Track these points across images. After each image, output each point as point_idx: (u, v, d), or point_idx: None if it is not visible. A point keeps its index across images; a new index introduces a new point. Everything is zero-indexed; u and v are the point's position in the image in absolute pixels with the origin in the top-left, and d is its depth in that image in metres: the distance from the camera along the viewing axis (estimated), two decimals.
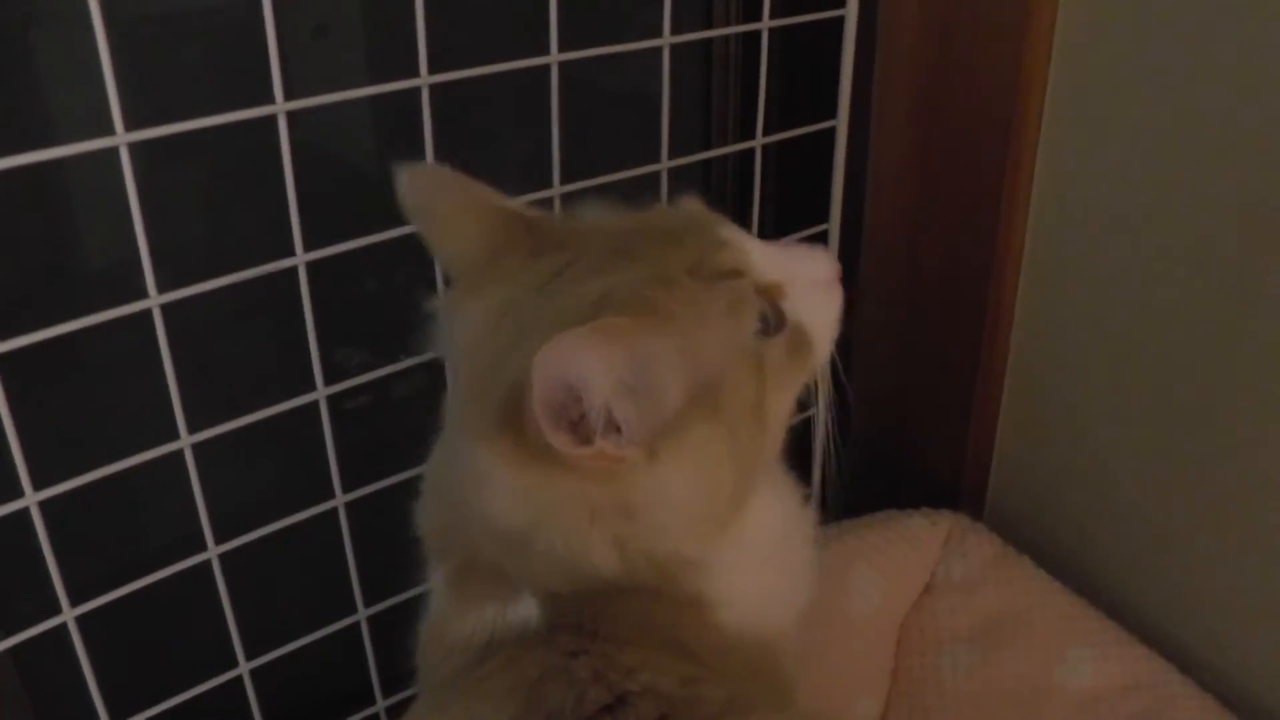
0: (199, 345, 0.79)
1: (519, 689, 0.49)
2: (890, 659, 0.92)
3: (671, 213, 0.58)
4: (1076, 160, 0.86)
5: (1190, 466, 0.83)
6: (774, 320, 0.54)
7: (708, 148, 1.01)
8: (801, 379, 0.56)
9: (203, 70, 0.83)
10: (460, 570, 0.56)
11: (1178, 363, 0.82)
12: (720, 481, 0.52)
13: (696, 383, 0.50)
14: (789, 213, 1.00)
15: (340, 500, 0.75)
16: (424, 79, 0.68)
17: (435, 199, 0.56)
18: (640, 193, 0.76)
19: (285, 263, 0.67)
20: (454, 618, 0.55)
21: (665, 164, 0.81)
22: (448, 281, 0.58)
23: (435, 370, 0.61)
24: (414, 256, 0.61)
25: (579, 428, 0.47)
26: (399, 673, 0.64)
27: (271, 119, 0.63)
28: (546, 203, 0.76)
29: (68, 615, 0.65)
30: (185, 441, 0.67)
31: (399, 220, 0.56)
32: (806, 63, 0.97)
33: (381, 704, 0.83)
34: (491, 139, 0.95)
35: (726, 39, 1.01)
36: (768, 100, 0.86)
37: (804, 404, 0.58)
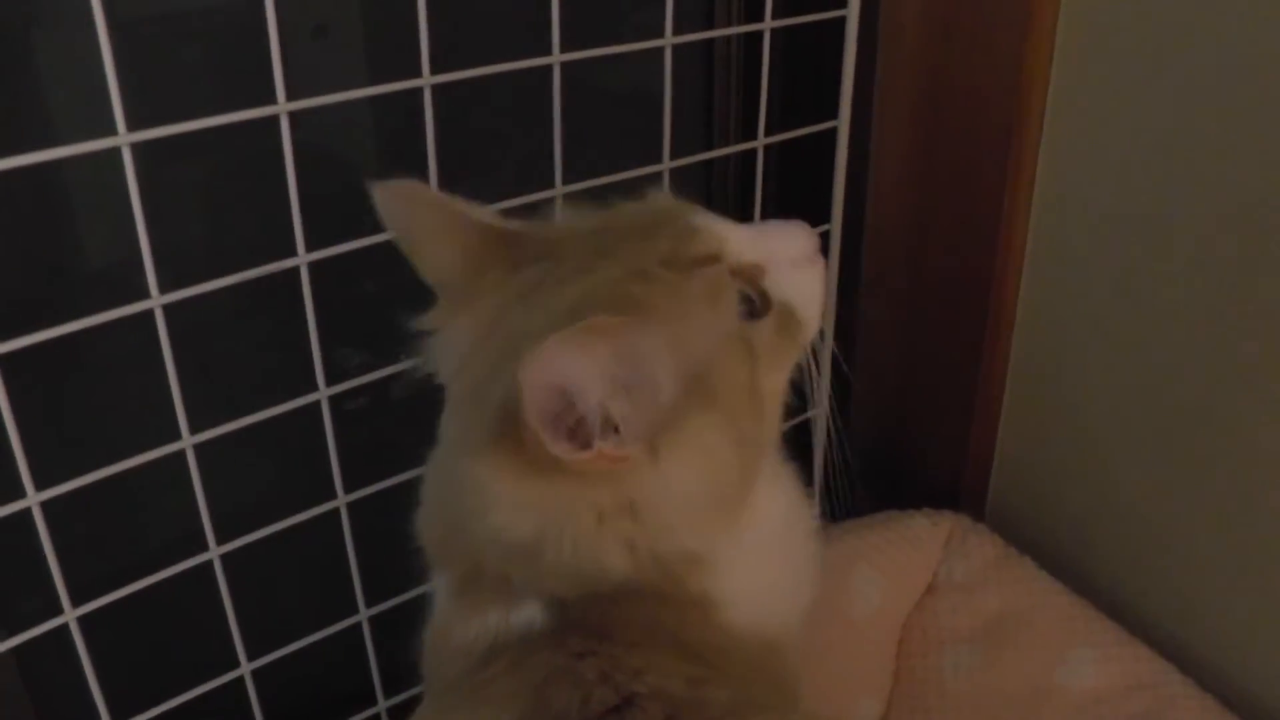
0: (200, 345, 0.79)
1: (524, 691, 0.49)
2: (892, 659, 0.92)
3: (641, 207, 0.58)
4: (1078, 160, 0.86)
5: (1190, 466, 0.83)
6: (758, 301, 0.54)
7: (709, 148, 1.01)
8: (793, 356, 0.56)
9: (203, 70, 0.83)
10: (463, 578, 0.56)
11: (1178, 363, 0.82)
12: (725, 469, 0.52)
13: (687, 373, 0.49)
14: (791, 213, 0.99)
15: (342, 500, 0.75)
16: (426, 79, 0.68)
17: (411, 216, 0.55)
18: (641, 194, 0.76)
19: (287, 263, 0.67)
20: (457, 623, 0.55)
21: (667, 164, 0.81)
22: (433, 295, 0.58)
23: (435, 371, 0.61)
24: None
25: (576, 433, 0.47)
26: (400, 673, 0.64)
27: (272, 119, 0.63)
28: (548, 203, 0.76)
29: (69, 615, 0.65)
30: (187, 442, 0.67)
31: None
32: (808, 63, 0.97)
33: (383, 704, 0.82)
34: (493, 139, 0.95)
35: (728, 39, 1.01)
36: (769, 101, 0.86)
37: (804, 404, 0.58)
